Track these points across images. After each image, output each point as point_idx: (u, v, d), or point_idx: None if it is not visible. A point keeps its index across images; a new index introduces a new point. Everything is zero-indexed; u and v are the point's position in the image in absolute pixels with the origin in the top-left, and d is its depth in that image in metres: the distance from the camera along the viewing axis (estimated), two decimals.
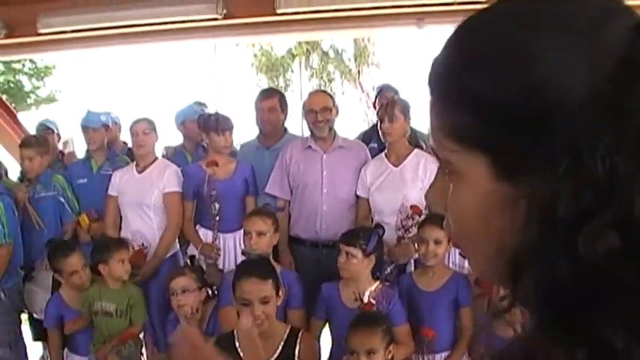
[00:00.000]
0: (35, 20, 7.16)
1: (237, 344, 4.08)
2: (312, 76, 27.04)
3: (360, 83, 25.50)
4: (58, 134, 7.56)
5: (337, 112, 5.88)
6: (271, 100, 6.19)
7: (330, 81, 26.21)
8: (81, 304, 5.39)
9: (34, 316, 6.41)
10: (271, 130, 6.19)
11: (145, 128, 6.01)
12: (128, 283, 5.44)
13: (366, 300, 4.63)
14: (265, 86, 26.04)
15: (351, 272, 4.82)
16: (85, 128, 6.48)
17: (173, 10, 7.09)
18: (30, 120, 8.51)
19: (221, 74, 24.38)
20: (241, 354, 4.08)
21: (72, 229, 6.31)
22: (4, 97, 11.73)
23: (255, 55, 26.39)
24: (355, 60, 26.17)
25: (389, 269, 5.25)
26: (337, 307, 4.87)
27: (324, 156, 5.74)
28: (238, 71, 26.05)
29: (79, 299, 5.42)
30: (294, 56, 26.75)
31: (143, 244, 5.83)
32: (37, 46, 7.70)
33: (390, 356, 4.10)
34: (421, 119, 6.40)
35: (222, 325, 4.82)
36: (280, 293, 4.23)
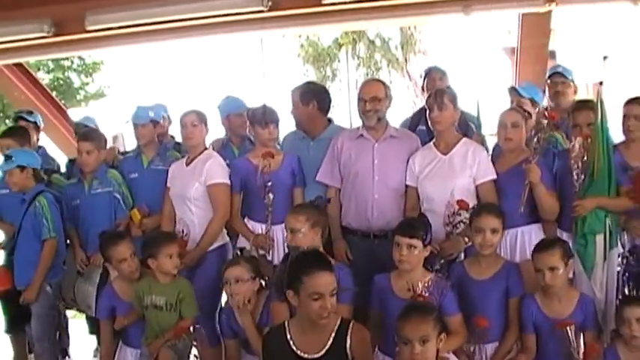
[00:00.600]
0: (83, 17, 7.24)
1: (288, 336, 4.13)
2: (359, 65, 26.98)
3: (407, 71, 25.40)
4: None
5: (390, 102, 5.84)
6: (292, 98, 6.26)
7: (377, 70, 26.11)
8: (132, 297, 5.44)
9: None
10: (302, 125, 6.27)
11: (193, 120, 6.03)
12: (178, 277, 5.47)
13: (419, 291, 4.61)
14: (312, 77, 26.13)
15: (412, 264, 4.80)
16: (134, 125, 6.54)
17: (219, 3, 7.13)
18: (80, 117, 8.56)
19: (268, 66, 24.40)
20: (293, 346, 4.13)
21: (124, 225, 6.35)
22: (53, 94, 11.87)
23: (302, 46, 26.39)
24: (402, 48, 26.04)
25: (438, 264, 5.21)
26: (389, 298, 4.86)
27: (376, 145, 5.74)
28: (285, 63, 26.01)
29: (130, 291, 5.46)
30: (340, 46, 26.68)
31: (183, 231, 5.84)
32: (85, 43, 7.78)
33: (440, 344, 4.07)
34: (469, 102, 6.43)
35: (273, 318, 4.84)
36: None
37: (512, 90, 6.69)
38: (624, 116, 5.60)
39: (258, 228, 5.85)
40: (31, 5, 7.47)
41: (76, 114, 10.83)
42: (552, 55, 9.80)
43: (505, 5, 7.21)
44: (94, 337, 6.84)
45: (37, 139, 7.42)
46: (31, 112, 7.74)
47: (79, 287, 6.41)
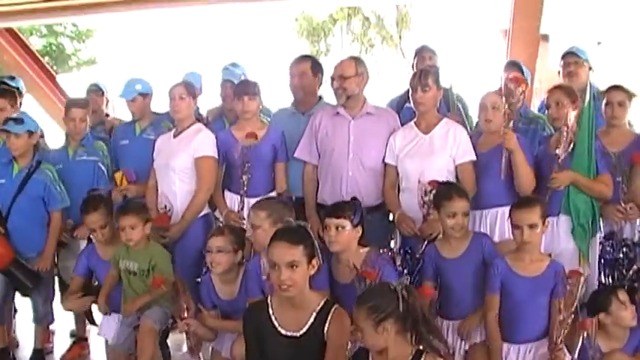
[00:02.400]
0: None
1: (270, 311, 4.10)
2: (353, 41, 26.99)
3: (401, 49, 25.44)
4: (107, 97, 7.65)
5: (363, 79, 5.83)
6: (303, 65, 6.26)
7: (370, 46, 26.13)
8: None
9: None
10: (302, 96, 6.27)
11: (181, 93, 6.03)
12: (152, 244, 5.52)
13: (360, 268, 4.70)
14: (306, 51, 26.06)
15: (342, 244, 4.90)
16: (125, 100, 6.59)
17: None
18: (71, 82, 8.59)
19: (263, 38, 24.33)
20: (275, 322, 4.11)
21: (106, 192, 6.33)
22: (45, 59, 11.86)
23: (297, 20, 26.37)
24: (397, 25, 26.05)
25: (422, 246, 5.34)
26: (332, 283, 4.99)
27: (352, 122, 5.76)
28: (280, 36, 25.98)
29: (110, 253, 5.58)
30: (335, 21, 26.69)
31: (166, 207, 5.88)
32: (74, 10, 7.79)
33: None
34: (459, 82, 6.45)
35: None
36: (314, 262, 4.08)
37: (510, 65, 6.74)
38: (606, 103, 5.67)
39: (236, 200, 5.92)
40: None
41: (67, 80, 10.85)
42: (546, 38, 9.81)
43: None
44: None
45: (20, 104, 7.42)
46: (13, 78, 7.74)
47: (62, 261, 6.48)
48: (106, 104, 7.68)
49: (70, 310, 6.21)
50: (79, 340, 6.82)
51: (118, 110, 7.75)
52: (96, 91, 7.54)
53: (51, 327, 6.89)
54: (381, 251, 5.12)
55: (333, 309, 4.08)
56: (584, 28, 13.89)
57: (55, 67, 20.05)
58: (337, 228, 4.87)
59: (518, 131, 5.80)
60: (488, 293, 4.89)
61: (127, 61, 22.92)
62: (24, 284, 6.14)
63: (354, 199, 5.24)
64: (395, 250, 5.76)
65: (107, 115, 7.57)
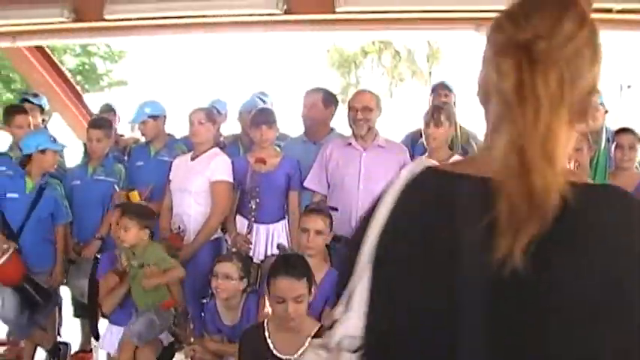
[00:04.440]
0: (102, 6, 7.39)
1: (266, 334, 4.28)
2: (383, 74, 27.09)
3: (430, 84, 25.53)
4: (119, 117, 7.77)
5: (380, 113, 5.95)
6: (314, 97, 6.38)
7: (400, 80, 26.18)
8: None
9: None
10: (312, 126, 6.38)
11: (200, 118, 6.16)
12: (152, 244, 5.58)
13: None
14: (337, 83, 26.19)
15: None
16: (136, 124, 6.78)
17: (235, 3, 7.25)
18: (100, 102, 8.75)
19: (292, 67, 24.47)
20: (270, 345, 4.26)
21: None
22: (78, 78, 12.04)
23: (328, 51, 26.53)
24: (427, 60, 26.13)
25: None
26: None
27: (363, 154, 5.84)
28: (310, 66, 26.10)
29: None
30: (366, 54, 26.83)
31: (179, 227, 5.99)
32: (103, 31, 7.91)
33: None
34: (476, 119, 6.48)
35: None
36: (313, 290, 4.32)
37: None
38: (617, 146, 5.71)
39: (245, 224, 6.00)
40: None
41: (98, 99, 11.02)
42: None
43: None
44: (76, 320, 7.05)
45: (42, 121, 7.57)
46: (36, 95, 7.91)
47: (71, 278, 6.60)
48: (118, 123, 7.77)
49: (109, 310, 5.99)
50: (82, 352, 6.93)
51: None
52: (108, 111, 7.68)
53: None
54: None
55: None
56: (608, 71, 13.97)
57: (86, 87, 20.33)
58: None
59: None
60: None
61: (157, 83, 23.16)
62: (36, 301, 6.21)
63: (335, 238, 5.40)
64: None
65: (121, 135, 7.68)
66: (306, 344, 4.13)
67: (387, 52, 26.83)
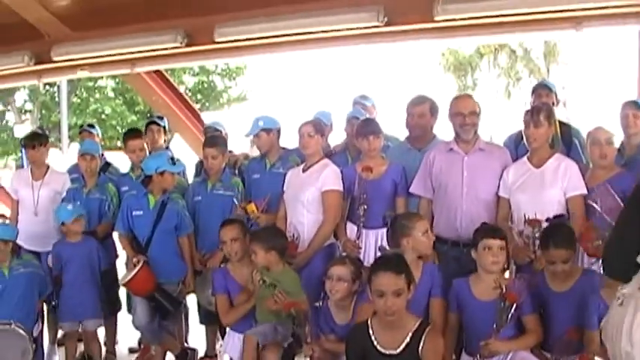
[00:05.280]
0: (212, 30, 7.80)
1: (370, 332, 4.58)
2: (499, 75, 26.85)
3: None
4: (226, 134, 8.01)
5: (480, 116, 6.11)
6: (422, 107, 6.57)
7: (517, 80, 25.87)
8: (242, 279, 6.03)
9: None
10: (421, 134, 6.58)
11: (309, 131, 6.44)
12: (288, 269, 5.98)
13: (506, 289, 4.85)
14: (453, 86, 26.11)
15: (501, 264, 5.22)
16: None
17: (340, 18, 7.55)
18: (222, 119, 9.12)
19: (409, 74, 24.48)
20: (374, 342, 4.55)
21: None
22: (198, 96, 12.53)
23: (443, 55, 26.46)
24: (545, 58, 25.75)
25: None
26: (469, 301, 5.19)
27: (465, 158, 6.00)
28: (426, 71, 26.08)
29: (240, 272, 6.07)
30: (482, 55, 26.63)
31: (294, 235, 6.26)
32: (213, 53, 8.33)
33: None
34: (585, 116, 6.53)
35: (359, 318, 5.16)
36: (412, 287, 4.58)
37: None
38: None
39: (355, 230, 6.24)
40: (165, 18, 8.07)
41: (216, 117, 11.43)
42: None
43: (617, 22, 7.28)
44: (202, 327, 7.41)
45: (165, 141, 8.00)
46: (161, 117, 8.37)
47: (198, 287, 6.91)
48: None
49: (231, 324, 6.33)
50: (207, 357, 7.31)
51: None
52: (214, 132, 7.92)
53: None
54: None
55: (427, 329, 4.53)
56: None
57: (207, 104, 20.91)
58: (500, 248, 5.16)
59: (637, 163, 6.04)
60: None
61: (276, 97, 23.51)
62: (167, 309, 6.64)
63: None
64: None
65: (230, 152, 7.81)
66: (408, 339, 4.46)
67: (502, 52, 26.53)
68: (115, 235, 7.30)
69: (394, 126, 7.09)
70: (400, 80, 23.79)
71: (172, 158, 6.86)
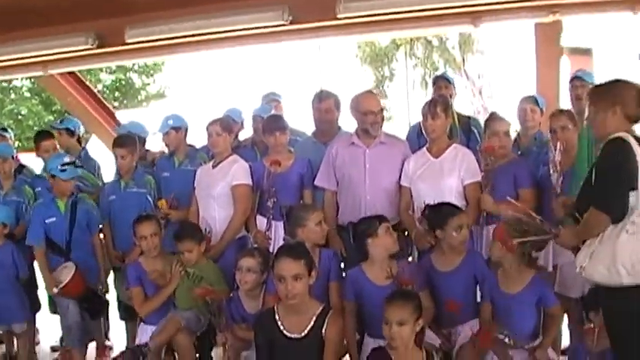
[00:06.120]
0: (123, 31, 7.90)
1: (276, 317, 4.85)
2: (416, 65, 27.15)
3: (464, 71, 25.50)
4: (145, 133, 8.01)
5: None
6: (327, 102, 6.84)
7: (434, 70, 26.11)
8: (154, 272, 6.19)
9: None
10: (328, 129, 6.84)
11: (217, 130, 6.64)
12: (210, 262, 6.21)
13: (399, 275, 5.22)
14: (370, 78, 26.28)
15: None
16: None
17: (246, 17, 7.73)
18: (140, 117, 9.20)
19: (326, 67, 24.61)
20: (281, 326, 4.82)
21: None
22: (116, 94, 12.55)
23: (359, 47, 26.62)
24: (460, 48, 26.09)
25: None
26: (366, 286, 5.42)
27: (367, 151, 6.24)
28: (343, 63, 26.20)
29: (153, 267, 6.21)
30: (398, 46, 26.87)
31: (206, 230, 6.43)
32: (125, 54, 8.43)
33: (417, 328, 4.61)
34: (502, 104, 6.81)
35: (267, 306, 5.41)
36: (313, 274, 4.84)
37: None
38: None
39: (264, 222, 6.45)
40: (77, 20, 8.12)
41: (135, 115, 11.48)
42: (588, 52, 9.94)
43: (511, 16, 7.58)
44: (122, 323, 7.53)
45: (79, 142, 8.07)
46: (62, 121, 8.38)
47: (118, 283, 7.17)
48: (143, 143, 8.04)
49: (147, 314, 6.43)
50: None
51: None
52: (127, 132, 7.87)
53: (108, 343, 7.67)
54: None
55: (329, 313, 4.83)
56: (626, 42, 13.97)
57: (125, 102, 20.75)
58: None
59: (531, 154, 6.38)
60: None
61: (195, 93, 23.46)
62: (97, 308, 6.84)
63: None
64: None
65: (147, 150, 7.98)
66: (312, 323, 4.75)
67: (418, 42, 26.73)
68: None
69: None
70: (318, 75, 23.81)
71: (67, 163, 6.84)
